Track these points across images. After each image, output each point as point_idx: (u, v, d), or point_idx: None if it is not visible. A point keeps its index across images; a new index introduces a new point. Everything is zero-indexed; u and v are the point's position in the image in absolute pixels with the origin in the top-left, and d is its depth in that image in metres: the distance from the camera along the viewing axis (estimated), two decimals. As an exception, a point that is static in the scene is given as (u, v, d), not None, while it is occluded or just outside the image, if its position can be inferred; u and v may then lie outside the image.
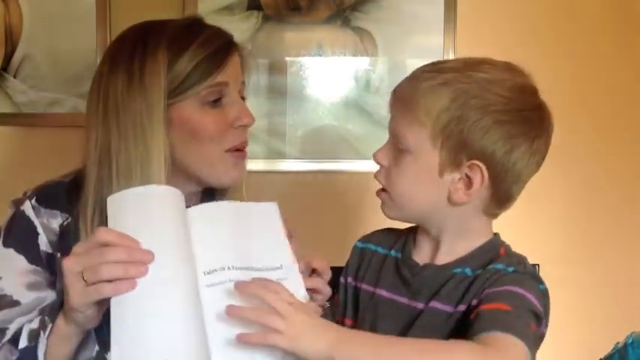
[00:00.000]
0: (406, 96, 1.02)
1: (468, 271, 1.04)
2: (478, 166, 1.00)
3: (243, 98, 1.26)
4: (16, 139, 1.90)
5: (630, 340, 1.22)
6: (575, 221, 1.93)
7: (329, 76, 1.92)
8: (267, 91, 1.90)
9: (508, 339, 0.89)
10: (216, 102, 1.19)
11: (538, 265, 1.50)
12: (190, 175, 1.21)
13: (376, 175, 1.08)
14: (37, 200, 1.20)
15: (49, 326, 1.05)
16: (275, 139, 1.91)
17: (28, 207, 1.20)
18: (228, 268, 1.01)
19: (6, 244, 1.19)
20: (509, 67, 1.06)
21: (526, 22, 1.91)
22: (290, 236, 1.10)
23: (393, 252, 1.13)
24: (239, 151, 1.22)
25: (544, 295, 1.02)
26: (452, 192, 1.02)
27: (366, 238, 1.20)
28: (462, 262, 1.06)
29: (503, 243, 1.10)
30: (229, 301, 0.97)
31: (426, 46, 1.89)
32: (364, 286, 1.14)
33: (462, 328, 0.98)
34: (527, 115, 1.04)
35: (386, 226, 1.18)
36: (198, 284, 0.99)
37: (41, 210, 1.20)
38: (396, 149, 1.04)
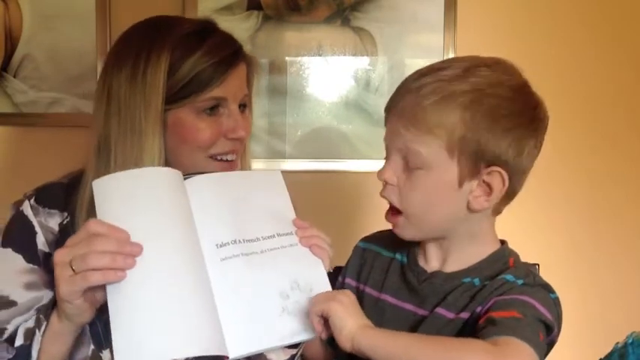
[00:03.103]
0: (411, 111, 0.99)
1: (477, 281, 1.03)
2: (498, 172, 0.99)
3: (244, 106, 1.24)
4: (16, 139, 1.90)
5: (630, 340, 1.22)
6: (576, 221, 1.93)
7: (329, 75, 1.92)
8: (267, 91, 1.90)
9: (519, 344, 0.90)
10: (212, 109, 1.19)
11: (538, 265, 1.50)
12: None
13: (385, 195, 1.04)
14: (35, 200, 1.21)
15: (44, 324, 1.05)
16: (275, 139, 1.91)
17: (26, 207, 1.20)
18: (240, 241, 1.01)
19: (4, 244, 1.19)
20: (503, 67, 1.06)
21: (526, 22, 1.91)
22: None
23: (398, 256, 1.12)
24: (224, 162, 1.21)
25: (555, 305, 1.02)
26: (471, 200, 1.01)
27: (368, 239, 1.19)
28: (471, 271, 1.05)
29: (511, 252, 1.10)
30: (245, 272, 0.98)
31: (426, 45, 1.89)
32: (368, 290, 1.13)
33: (463, 334, 0.99)
34: (531, 114, 1.04)
35: (387, 227, 1.16)
36: (209, 258, 0.98)
37: (40, 209, 1.20)
38: (404, 166, 1.01)
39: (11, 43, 1.88)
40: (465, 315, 1.01)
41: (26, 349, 1.07)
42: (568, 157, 1.93)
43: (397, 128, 1.01)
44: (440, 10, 1.88)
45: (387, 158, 1.04)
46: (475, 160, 0.99)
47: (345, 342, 0.93)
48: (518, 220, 1.92)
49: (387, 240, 1.14)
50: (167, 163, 1.16)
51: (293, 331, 0.98)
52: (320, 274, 1.03)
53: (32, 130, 1.89)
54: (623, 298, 1.92)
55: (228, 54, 1.20)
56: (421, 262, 1.09)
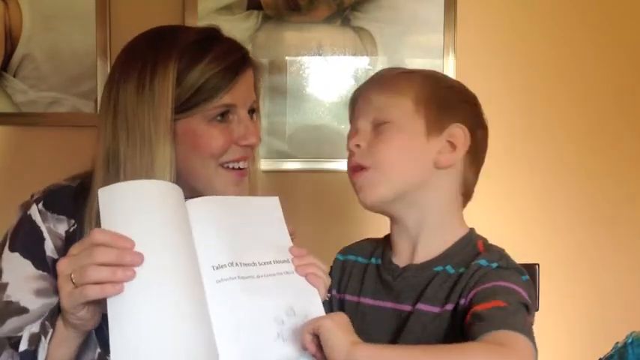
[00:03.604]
0: (381, 81, 1.12)
1: (449, 268, 1.06)
2: (460, 127, 1.07)
3: (253, 110, 1.24)
4: (16, 139, 1.89)
5: (630, 340, 1.21)
6: (576, 221, 1.93)
7: (329, 75, 1.92)
8: (267, 90, 1.90)
9: (512, 336, 0.90)
10: (223, 116, 1.18)
11: (538, 265, 1.50)
12: (191, 189, 1.18)
13: (352, 160, 1.10)
14: (44, 205, 1.19)
15: (50, 331, 1.04)
16: (275, 139, 1.91)
17: (35, 211, 1.19)
18: (237, 264, 1.00)
19: (12, 249, 1.18)
20: None
21: (526, 22, 1.91)
22: (293, 238, 1.09)
23: (373, 260, 1.15)
24: (235, 170, 1.21)
25: (529, 286, 1.04)
26: (437, 157, 1.07)
27: (346, 250, 1.21)
28: (441, 259, 1.07)
29: (479, 237, 1.12)
30: (240, 296, 0.97)
31: (426, 45, 1.89)
32: (348, 297, 1.15)
33: (452, 328, 1.00)
34: (478, 104, 1.15)
35: (376, 229, 1.20)
36: (206, 279, 0.97)
37: (48, 215, 1.19)
38: (372, 130, 1.08)
39: (11, 43, 1.88)
40: (449, 307, 1.02)
41: (31, 354, 1.06)
42: (568, 156, 1.93)
43: (368, 99, 1.10)
44: (440, 10, 1.88)
45: (353, 131, 1.12)
46: (439, 117, 1.07)
47: (338, 358, 0.90)
48: (518, 220, 1.93)
49: (363, 248, 1.19)
50: (177, 174, 1.15)
51: (287, 356, 0.97)
52: (315, 302, 1.03)
53: (32, 130, 1.88)
54: (623, 298, 1.92)
55: (236, 60, 1.19)
56: (394, 260, 1.12)
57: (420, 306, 1.04)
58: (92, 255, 0.93)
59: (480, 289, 0.99)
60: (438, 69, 1.88)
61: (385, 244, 1.16)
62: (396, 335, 1.06)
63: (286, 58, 1.90)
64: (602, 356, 1.24)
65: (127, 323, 0.91)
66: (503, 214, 1.92)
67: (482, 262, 1.03)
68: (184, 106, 1.16)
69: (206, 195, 1.18)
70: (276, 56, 1.90)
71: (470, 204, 1.93)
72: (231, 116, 1.19)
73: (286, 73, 1.90)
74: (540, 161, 1.92)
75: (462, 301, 1.00)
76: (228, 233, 1.03)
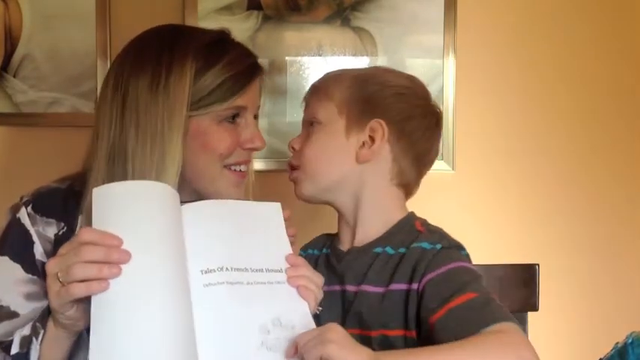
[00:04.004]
0: (317, 85, 1.21)
1: (389, 249, 1.12)
2: (378, 122, 1.13)
3: (255, 116, 1.26)
4: (16, 139, 1.89)
5: (630, 340, 1.21)
6: (576, 221, 1.93)
7: (329, 75, 1.92)
8: (267, 90, 1.90)
9: (506, 326, 0.95)
10: (233, 118, 1.20)
11: (538, 265, 1.50)
12: (193, 189, 1.20)
13: (290, 162, 1.19)
14: (33, 208, 1.19)
15: (41, 333, 1.04)
16: (275, 139, 1.90)
17: (24, 215, 1.19)
18: (227, 269, 0.99)
19: (1, 252, 1.18)
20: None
21: (526, 22, 1.91)
22: (293, 241, 1.09)
23: (324, 250, 1.23)
24: (237, 172, 1.22)
25: (469, 259, 1.11)
26: (358, 152, 1.14)
27: (305, 246, 1.28)
28: (380, 241, 1.13)
29: (418, 218, 1.17)
30: (227, 301, 0.96)
31: (426, 46, 1.89)
32: None
33: (397, 308, 1.06)
34: (419, 94, 1.19)
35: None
36: (193, 283, 0.97)
37: (37, 218, 1.18)
38: (308, 132, 1.18)
39: (11, 43, 1.88)
40: (394, 287, 1.07)
41: (23, 357, 1.06)
42: (568, 156, 1.93)
43: (307, 101, 1.21)
44: (440, 10, 1.88)
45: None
46: (360, 116, 1.14)
47: None
48: (518, 220, 1.93)
49: (318, 241, 1.27)
50: (181, 173, 1.15)
51: None
52: (304, 314, 1.02)
53: (32, 130, 1.88)
54: (623, 298, 1.92)
55: (250, 64, 1.22)
56: (339, 246, 1.19)
57: (364, 287, 1.10)
58: (79, 253, 0.93)
59: (435, 275, 1.04)
60: (438, 69, 1.88)
61: (335, 235, 1.23)
62: (344, 316, 1.11)
63: (286, 58, 1.90)
64: (602, 356, 1.24)
65: (107, 322, 0.91)
66: (504, 214, 1.92)
67: (425, 244, 1.08)
68: (198, 105, 1.16)
69: (208, 195, 1.19)
70: (276, 56, 1.90)
71: (470, 204, 1.93)
72: (240, 119, 1.21)
73: (286, 73, 1.90)
74: (540, 161, 1.92)
75: (415, 286, 1.05)
76: (222, 238, 1.02)
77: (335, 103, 1.16)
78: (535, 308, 1.48)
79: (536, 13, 1.91)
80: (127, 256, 0.93)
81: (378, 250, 1.13)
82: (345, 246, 1.19)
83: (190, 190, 1.19)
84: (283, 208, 1.10)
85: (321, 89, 1.20)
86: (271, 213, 1.10)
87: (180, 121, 1.14)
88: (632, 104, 1.93)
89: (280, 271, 1.03)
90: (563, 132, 1.93)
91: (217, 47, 1.19)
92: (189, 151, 1.16)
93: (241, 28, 1.87)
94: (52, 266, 0.96)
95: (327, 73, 1.24)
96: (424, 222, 1.16)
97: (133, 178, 1.11)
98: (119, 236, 0.94)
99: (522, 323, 1.47)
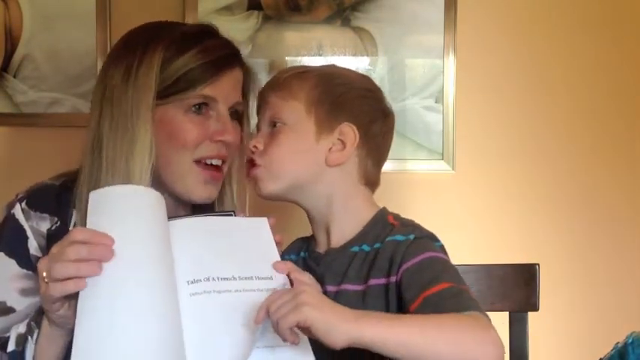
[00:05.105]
0: (276, 84, 1.17)
1: (365, 247, 1.11)
2: (349, 126, 1.12)
3: (238, 113, 1.23)
4: (16, 139, 1.89)
5: (630, 340, 1.21)
6: (576, 221, 1.93)
7: (329, 76, 1.92)
8: (267, 91, 1.90)
9: (475, 315, 0.96)
10: (200, 109, 1.18)
11: (538, 265, 1.50)
12: (166, 187, 1.19)
13: (250, 160, 1.15)
14: (27, 204, 1.19)
15: (36, 332, 1.04)
16: (275, 139, 1.90)
17: (18, 210, 1.19)
18: (213, 279, 0.99)
19: None
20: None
21: (526, 22, 1.91)
22: (280, 247, 1.09)
23: (302, 254, 1.21)
24: (211, 169, 1.20)
25: (443, 251, 1.11)
26: (328, 155, 1.13)
27: (285, 250, 1.25)
28: (356, 240, 1.13)
29: (390, 213, 1.17)
30: (214, 310, 0.97)
31: (426, 46, 1.89)
32: None
33: (376, 302, 1.06)
34: (376, 96, 1.19)
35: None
36: (180, 293, 0.97)
37: (31, 213, 1.19)
38: (270, 132, 1.15)
39: (11, 43, 1.88)
40: (372, 282, 1.07)
41: (19, 355, 1.06)
42: (568, 156, 1.93)
43: (267, 100, 1.16)
44: (440, 10, 1.88)
45: (256, 132, 1.18)
46: (329, 119, 1.13)
47: (338, 342, 0.89)
48: (518, 220, 1.93)
49: (295, 246, 1.24)
50: (156, 170, 1.16)
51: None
52: None
53: (32, 130, 1.88)
54: (623, 298, 1.92)
55: (223, 55, 1.19)
56: (316, 249, 1.18)
57: (345, 286, 1.10)
58: (64, 252, 0.94)
59: (409, 265, 1.04)
60: (438, 69, 1.88)
61: (311, 238, 1.22)
62: None
63: (286, 58, 1.90)
64: (602, 356, 1.24)
65: (90, 321, 0.91)
66: (504, 214, 1.92)
67: (398, 237, 1.08)
68: (165, 93, 1.17)
69: (181, 196, 1.20)
70: (276, 56, 1.90)
71: (470, 204, 1.93)
72: (210, 112, 1.19)
73: (286, 73, 1.90)
74: (540, 161, 1.92)
75: (393, 279, 1.05)
76: (208, 250, 1.03)
77: (302, 103, 1.13)
78: (535, 308, 1.48)
79: (536, 13, 1.91)
80: (109, 253, 0.93)
81: (355, 249, 1.12)
82: (321, 248, 1.17)
83: (165, 192, 1.18)
84: (268, 217, 1.11)
85: (283, 88, 1.15)
86: (258, 225, 1.10)
87: (147, 109, 1.15)
88: (632, 104, 1.93)
89: (270, 278, 1.02)
90: (563, 132, 1.93)
91: (193, 37, 1.19)
92: (160, 143, 1.17)
93: (241, 28, 1.87)
94: (41, 265, 0.97)
95: (285, 71, 1.21)
96: (397, 216, 1.16)
97: (107, 169, 1.14)
98: (110, 235, 0.94)
99: (522, 323, 1.47)
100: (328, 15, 1.90)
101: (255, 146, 1.15)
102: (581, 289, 1.92)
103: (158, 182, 1.18)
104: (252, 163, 1.16)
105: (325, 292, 1.10)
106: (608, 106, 1.92)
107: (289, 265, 1.05)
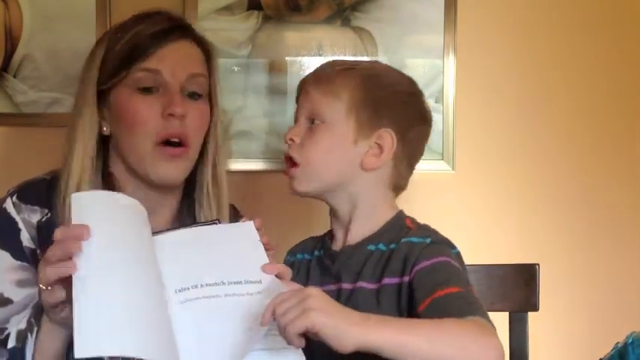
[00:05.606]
0: (320, 77, 1.17)
1: (381, 246, 1.13)
2: (388, 132, 1.13)
3: (197, 94, 1.21)
4: (16, 139, 1.89)
5: (630, 340, 1.21)
6: (576, 220, 1.93)
7: (329, 76, 1.91)
8: (267, 90, 1.90)
9: (480, 321, 0.97)
10: (149, 90, 1.17)
11: (538, 265, 1.50)
12: (136, 172, 1.20)
13: (288, 153, 1.16)
14: (18, 197, 1.21)
15: (35, 329, 1.05)
16: (275, 139, 1.90)
17: (9, 204, 1.20)
18: (202, 285, 1.00)
19: None
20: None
21: (526, 22, 1.91)
22: (268, 248, 1.09)
23: (316, 252, 1.22)
24: (172, 146, 1.18)
25: (459, 258, 1.13)
26: (364, 159, 1.14)
27: (292, 250, 1.27)
28: (373, 238, 1.14)
29: (407, 216, 1.18)
30: (205, 316, 0.97)
31: (426, 46, 1.89)
32: None
33: (389, 301, 1.07)
34: (417, 101, 1.20)
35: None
36: (170, 303, 0.98)
37: (22, 206, 1.20)
38: (309, 127, 1.15)
39: (11, 43, 1.88)
40: (386, 281, 1.08)
41: (19, 351, 1.07)
42: (568, 156, 1.92)
43: (307, 92, 1.17)
44: (440, 10, 1.88)
45: (295, 123, 1.18)
46: (369, 122, 1.13)
47: (347, 346, 0.90)
48: (518, 220, 1.93)
49: (306, 245, 1.26)
50: (117, 149, 1.19)
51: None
52: None
53: (32, 130, 1.88)
54: (623, 298, 1.92)
55: (164, 28, 1.18)
56: (332, 247, 1.18)
57: (360, 283, 1.11)
58: (47, 256, 0.95)
59: (422, 267, 1.06)
60: (438, 69, 1.88)
61: (325, 236, 1.23)
62: None
63: (286, 58, 1.90)
64: (602, 356, 1.24)
65: (79, 302, 0.90)
66: (504, 214, 1.92)
67: (414, 239, 1.10)
68: (110, 74, 1.18)
69: (146, 177, 1.20)
70: (276, 56, 1.90)
71: (470, 204, 1.93)
72: (160, 90, 1.17)
73: (286, 73, 1.90)
74: (540, 161, 1.92)
75: (406, 278, 1.07)
76: (195, 259, 1.03)
77: (343, 104, 1.13)
78: (535, 308, 1.48)
79: (536, 13, 1.91)
80: (77, 246, 0.92)
81: (371, 247, 1.14)
82: (337, 245, 1.19)
83: (140, 180, 1.21)
84: (254, 219, 1.11)
85: (326, 83, 1.15)
86: (244, 229, 1.10)
87: (91, 93, 1.18)
88: (632, 104, 1.93)
89: (259, 282, 1.03)
90: (563, 132, 1.93)
91: (138, 18, 1.20)
92: (118, 127, 1.19)
93: (241, 28, 1.87)
94: (39, 267, 0.98)
95: (330, 65, 1.20)
96: (413, 220, 1.18)
97: (64, 157, 1.18)
98: (87, 225, 0.94)
99: (522, 323, 1.47)
100: (328, 15, 1.90)
101: (292, 139, 1.15)
102: (581, 289, 1.92)
103: (129, 169, 1.19)
104: (290, 161, 1.17)
105: (341, 290, 1.13)
106: (608, 106, 1.92)
107: (278, 267, 1.05)
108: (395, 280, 1.09)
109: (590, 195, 1.93)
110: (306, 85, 1.18)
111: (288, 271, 1.07)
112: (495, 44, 1.91)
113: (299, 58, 1.90)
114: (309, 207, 1.90)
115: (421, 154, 1.22)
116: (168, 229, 1.09)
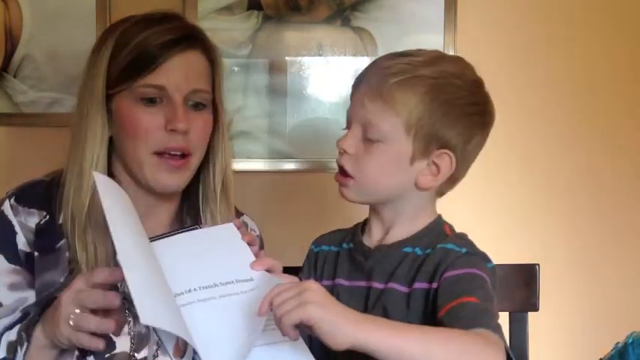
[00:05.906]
0: (378, 87, 1.08)
1: (418, 250, 1.10)
2: (447, 154, 1.09)
3: (202, 105, 1.19)
4: (16, 139, 1.89)
5: (630, 340, 1.21)
6: (577, 220, 1.93)
7: (329, 75, 1.92)
8: (267, 90, 1.90)
9: (486, 333, 0.95)
10: (152, 101, 1.16)
11: (538, 265, 1.50)
12: (135, 177, 1.20)
13: (340, 162, 1.12)
14: (15, 199, 1.20)
15: (25, 345, 1.05)
16: (275, 139, 1.91)
17: (6, 207, 1.20)
18: (195, 289, 1.01)
19: None
20: (464, 62, 1.17)
21: (527, 22, 1.91)
22: (253, 246, 1.09)
23: (344, 245, 1.18)
24: (172, 157, 1.17)
25: (494, 274, 1.09)
26: (420, 178, 1.09)
27: (318, 241, 1.24)
28: (410, 241, 1.11)
29: (446, 222, 1.16)
30: (203, 318, 0.97)
31: (425, 45, 1.86)
32: (323, 282, 1.15)
33: (418, 307, 1.05)
34: (484, 109, 1.15)
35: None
36: None
37: (19, 209, 1.19)
38: (363, 137, 1.09)
39: (11, 43, 1.88)
40: (417, 285, 1.06)
41: None
42: (570, 155, 1.93)
43: (362, 100, 1.09)
44: (440, 10, 1.88)
45: (348, 128, 1.12)
46: (428, 142, 1.08)
47: (341, 343, 0.89)
48: (518, 220, 1.93)
49: (334, 237, 1.22)
50: (118, 153, 1.19)
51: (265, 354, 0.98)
52: None
53: (32, 130, 1.88)
54: (623, 298, 1.92)
55: (167, 41, 1.15)
56: (365, 242, 1.15)
57: (392, 284, 1.08)
58: (84, 299, 0.98)
59: (450, 275, 1.03)
60: (438, 69, 1.88)
61: (355, 229, 1.19)
62: (367, 309, 1.09)
63: (286, 58, 1.90)
64: (602, 356, 1.24)
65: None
66: (504, 213, 1.92)
67: (450, 245, 1.08)
68: (115, 82, 1.17)
69: (142, 183, 1.19)
70: (276, 56, 1.90)
71: (471, 204, 1.93)
72: (165, 101, 1.16)
73: (286, 73, 1.90)
74: (541, 160, 1.92)
75: (435, 285, 1.05)
76: (183, 264, 1.04)
77: (402, 120, 1.06)
78: (535, 308, 1.47)
79: (537, 13, 1.91)
80: (117, 301, 0.97)
81: (408, 249, 1.11)
82: (371, 241, 1.15)
83: (139, 185, 1.20)
84: (233, 221, 1.12)
85: (384, 95, 1.06)
86: (225, 231, 1.11)
87: (99, 95, 1.16)
88: (634, 104, 1.93)
89: (250, 279, 1.03)
90: (564, 131, 1.93)
91: (146, 22, 1.17)
92: (119, 133, 1.18)
93: (241, 28, 1.87)
94: (66, 302, 0.99)
95: (389, 70, 1.09)
96: (451, 227, 1.16)
97: (69, 155, 1.18)
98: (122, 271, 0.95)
99: (522, 323, 1.47)
100: (328, 15, 1.90)
101: (345, 149, 1.10)
102: (581, 289, 1.92)
103: (129, 173, 1.20)
104: (342, 171, 1.12)
105: (371, 288, 1.10)
106: (609, 106, 1.92)
107: (267, 262, 1.05)
108: (424, 285, 1.06)
109: (592, 194, 1.93)
110: (360, 93, 1.10)
111: (277, 265, 1.07)
112: (495, 44, 1.91)
113: (299, 58, 1.90)
114: (309, 207, 1.90)
115: (474, 160, 1.16)
116: (150, 238, 1.07)
